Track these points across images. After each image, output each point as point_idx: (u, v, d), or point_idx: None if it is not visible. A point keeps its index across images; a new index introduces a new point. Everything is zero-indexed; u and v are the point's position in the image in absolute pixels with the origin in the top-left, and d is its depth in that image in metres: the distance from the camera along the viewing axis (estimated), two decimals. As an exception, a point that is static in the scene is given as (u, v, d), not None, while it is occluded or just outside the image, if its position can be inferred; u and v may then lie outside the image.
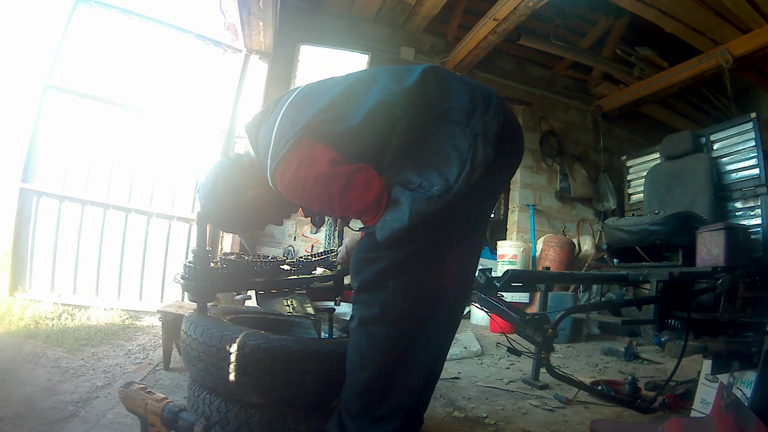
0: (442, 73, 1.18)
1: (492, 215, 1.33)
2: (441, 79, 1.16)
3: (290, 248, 4.02)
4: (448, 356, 1.34)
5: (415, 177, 1.06)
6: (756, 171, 3.22)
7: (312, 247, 4.09)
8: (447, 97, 1.13)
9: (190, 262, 1.36)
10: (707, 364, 1.80)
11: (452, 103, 1.12)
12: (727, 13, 3.60)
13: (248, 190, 1.26)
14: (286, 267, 1.61)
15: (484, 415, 1.77)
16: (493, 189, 1.23)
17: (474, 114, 1.09)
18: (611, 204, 4.82)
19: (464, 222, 1.14)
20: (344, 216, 1.30)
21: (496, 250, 4.42)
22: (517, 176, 4.67)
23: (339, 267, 1.64)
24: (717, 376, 1.73)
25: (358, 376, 1.12)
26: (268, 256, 1.65)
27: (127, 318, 2.89)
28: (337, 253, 1.61)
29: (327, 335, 1.67)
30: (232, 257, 1.51)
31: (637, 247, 2.87)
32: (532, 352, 2.14)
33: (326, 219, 4.05)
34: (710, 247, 2.46)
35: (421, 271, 1.11)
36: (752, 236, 2.97)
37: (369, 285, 1.12)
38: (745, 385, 1.64)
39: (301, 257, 1.78)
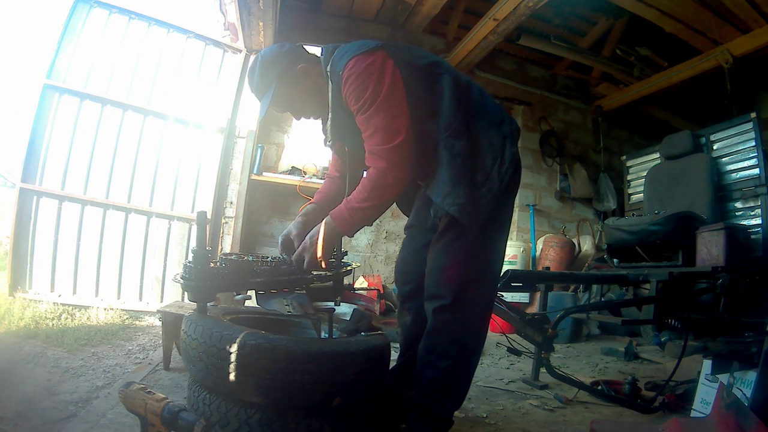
0: (483, 89, 1.50)
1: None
2: (484, 92, 1.47)
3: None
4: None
5: (469, 159, 1.31)
6: (756, 171, 3.22)
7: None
8: (485, 106, 1.42)
9: (190, 262, 1.36)
10: (707, 364, 1.80)
11: (489, 110, 1.42)
12: (727, 13, 3.60)
13: (302, 62, 1.44)
14: (285, 267, 1.61)
15: (484, 415, 1.77)
16: (510, 198, 1.45)
17: (504, 122, 1.42)
18: (611, 204, 4.82)
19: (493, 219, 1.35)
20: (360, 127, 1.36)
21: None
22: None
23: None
24: (717, 376, 1.73)
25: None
26: (268, 257, 1.64)
27: (127, 318, 2.89)
28: (336, 253, 1.59)
29: (327, 335, 1.66)
30: (232, 257, 1.50)
31: (637, 247, 2.86)
32: (532, 352, 2.15)
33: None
34: (710, 247, 2.45)
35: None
36: (752, 236, 2.97)
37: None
38: (745, 385, 1.64)
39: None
